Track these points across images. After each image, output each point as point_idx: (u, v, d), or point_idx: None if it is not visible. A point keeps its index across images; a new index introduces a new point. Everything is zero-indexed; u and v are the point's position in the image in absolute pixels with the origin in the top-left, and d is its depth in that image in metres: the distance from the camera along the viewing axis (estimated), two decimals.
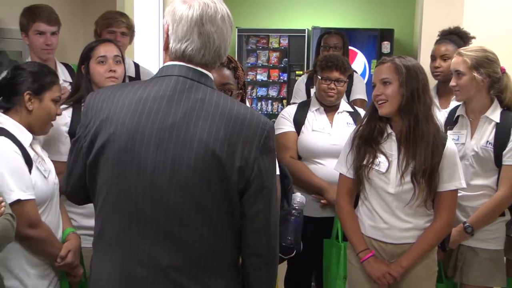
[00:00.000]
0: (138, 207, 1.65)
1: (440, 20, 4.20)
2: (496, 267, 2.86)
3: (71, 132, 2.65)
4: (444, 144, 2.50)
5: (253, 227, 1.71)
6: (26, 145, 2.30)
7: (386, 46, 7.46)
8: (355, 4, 8.13)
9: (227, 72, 2.42)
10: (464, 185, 2.56)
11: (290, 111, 3.33)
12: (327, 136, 3.18)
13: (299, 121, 3.27)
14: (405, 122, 2.50)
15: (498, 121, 2.79)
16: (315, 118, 3.27)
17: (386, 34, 7.54)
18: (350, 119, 3.27)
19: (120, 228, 1.68)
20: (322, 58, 3.37)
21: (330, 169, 2.89)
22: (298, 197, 2.65)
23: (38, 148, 2.44)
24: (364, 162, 2.56)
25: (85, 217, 2.65)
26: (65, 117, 2.68)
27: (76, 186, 1.82)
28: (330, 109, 3.28)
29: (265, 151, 1.67)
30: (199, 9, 1.67)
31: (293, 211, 2.61)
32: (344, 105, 3.34)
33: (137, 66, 3.76)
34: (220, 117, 1.64)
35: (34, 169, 2.27)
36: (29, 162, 2.25)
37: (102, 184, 1.70)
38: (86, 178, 1.75)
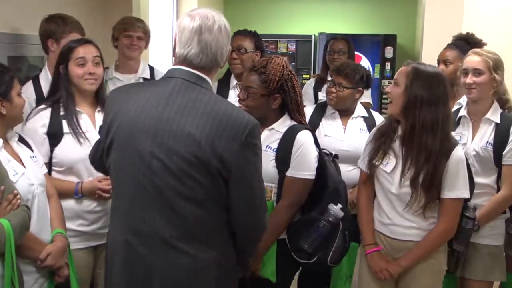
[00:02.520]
0: (140, 186, 1.97)
1: (440, 26, 4.29)
2: (496, 262, 2.93)
3: (50, 134, 2.67)
4: (450, 154, 2.46)
5: (238, 210, 2.01)
6: None
7: (389, 51, 7.53)
8: (359, 10, 8.23)
9: (253, 76, 2.60)
10: (467, 196, 2.51)
11: (307, 112, 3.17)
12: (339, 142, 3.19)
13: (314, 124, 3.28)
14: (404, 126, 2.53)
15: (498, 121, 2.85)
16: (329, 123, 3.30)
17: (389, 39, 7.60)
18: (364, 125, 3.27)
19: (127, 202, 2.01)
20: (335, 64, 3.46)
21: (342, 173, 2.86)
22: (334, 209, 2.52)
23: (14, 146, 2.41)
24: (376, 158, 2.61)
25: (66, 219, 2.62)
26: (43, 118, 2.68)
27: (98, 162, 2.21)
28: (345, 113, 3.30)
29: (247, 146, 1.93)
30: (199, 21, 1.99)
31: (323, 220, 2.52)
32: (359, 110, 3.33)
33: (151, 68, 3.90)
34: (208, 114, 1.92)
35: None
36: None
37: (113, 165, 2.05)
38: (104, 159, 2.11)
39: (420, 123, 2.44)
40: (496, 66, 2.83)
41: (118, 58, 3.86)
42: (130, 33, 3.71)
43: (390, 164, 2.58)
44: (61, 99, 2.71)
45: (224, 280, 2.06)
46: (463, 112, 2.98)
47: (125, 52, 3.77)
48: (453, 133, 2.90)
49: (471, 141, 2.92)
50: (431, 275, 2.64)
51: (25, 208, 2.18)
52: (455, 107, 3.19)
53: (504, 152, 2.82)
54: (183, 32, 2.00)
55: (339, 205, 2.53)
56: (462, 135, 2.94)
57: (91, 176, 2.71)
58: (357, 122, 3.30)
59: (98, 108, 2.80)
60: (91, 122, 2.75)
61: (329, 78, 4.21)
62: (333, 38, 4.43)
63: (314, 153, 2.59)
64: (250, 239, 2.16)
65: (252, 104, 2.64)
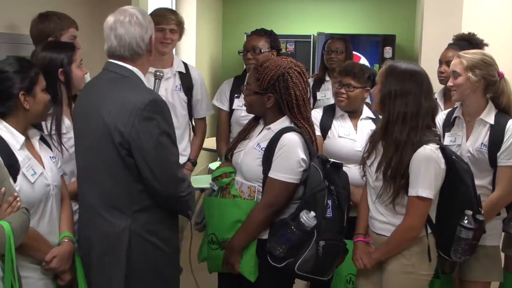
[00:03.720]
0: (79, 163, 2.47)
1: (439, 26, 4.29)
2: (492, 263, 2.92)
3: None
4: (416, 148, 2.50)
5: (145, 179, 2.27)
6: (17, 148, 2.30)
7: (388, 51, 7.55)
8: (358, 11, 8.25)
9: (252, 74, 2.68)
10: (423, 194, 2.48)
11: (316, 115, 3.29)
12: (353, 142, 3.18)
13: (325, 126, 3.29)
14: (382, 120, 2.62)
15: (492, 123, 2.83)
16: (340, 124, 3.29)
17: (388, 39, 7.62)
18: (373, 126, 3.24)
19: (78, 178, 2.51)
20: (341, 65, 3.45)
21: (354, 173, 2.89)
22: (304, 216, 2.46)
23: (35, 144, 2.44)
24: (365, 155, 2.71)
25: None
26: None
27: None
28: (354, 115, 3.30)
29: (143, 118, 2.21)
30: (113, 18, 2.35)
31: (292, 226, 2.47)
32: (366, 111, 3.34)
33: (185, 64, 3.75)
34: (115, 98, 2.27)
35: (20, 175, 2.26)
36: (13, 168, 2.23)
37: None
38: None
39: (394, 116, 2.53)
40: (474, 65, 2.81)
41: None
42: (163, 26, 3.48)
43: (371, 158, 2.68)
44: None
45: (137, 246, 2.33)
46: (457, 113, 2.99)
47: (158, 47, 3.46)
48: (447, 134, 2.97)
49: (466, 141, 2.91)
50: (403, 275, 2.63)
51: (25, 210, 2.17)
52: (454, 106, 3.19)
53: (498, 153, 2.80)
54: (105, 30, 2.36)
55: (312, 213, 2.45)
56: (457, 136, 2.95)
57: (73, 177, 2.70)
58: (366, 123, 3.28)
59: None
60: (69, 123, 2.71)
61: (327, 78, 4.25)
62: (331, 38, 4.43)
63: (297, 157, 2.54)
64: (167, 205, 2.39)
65: (248, 100, 2.70)
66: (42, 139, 2.52)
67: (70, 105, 2.74)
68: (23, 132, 2.38)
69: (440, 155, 2.52)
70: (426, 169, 2.48)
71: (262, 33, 3.77)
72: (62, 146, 2.64)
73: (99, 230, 2.36)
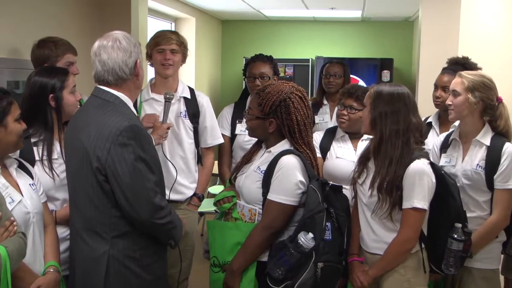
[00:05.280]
0: (69, 185, 2.46)
1: (436, 50, 4.33)
2: (490, 286, 2.90)
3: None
4: (409, 163, 2.57)
5: (121, 205, 2.28)
6: None
7: (386, 75, 7.61)
8: (356, 35, 8.34)
9: (254, 99, 2.70)
10: (418, 205, 2.54)
11: (317, 137, 3.35)
12: (351, 163, 3.08)
13: (324, 148, 3.33)
14: (374, 140, 2.68)
15: (488, 144, 2.83)
16: (340, 145, 3.32)
17: (386, 63, 7.69)
18: None
19: (69, 200, 2.52)
20: (345, 86, 3.48)
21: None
22: (303, 238, 2.45)
23: (13, 172, 2.42)
24: (356, 175, 2.76)
25: None
26: None
27: None
28: (355, 136, 3.31)
29: (118, 144, 2.22)
30: (98, 43, 2.38)
31: (290, 248, 2.46)
32: None
33: (191, 89, 3.60)
34: (95, 123, 2.29)
35: None
36: None
37: None
38: None
39: (387, 134, 2.62)
40: (474, 87, 2.83)
41: (154, 77, 3.54)
42: (163, 46, 3.34)
43: (362, 177, 2.74)
44: (34, 127, 2.65)
45: (116, 272, 2.32)
46: (454, 135, 3.01)
47: (159, 70, 3.40)
48: (443, 155, 3.00)
49: (461, 162, 2.92)
50: None
51: (22, 235, 2.19)
52: (451, 130, 3.20)
53: (495, 176, 2.80)
54: (91, 55, 2.38)
55: (310, 235, 2.44)
56: (452, 157, 2.97)
57: (65, 203, 2.69)
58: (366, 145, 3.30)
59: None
60: (60, 148, 2.71)
61: (325, 102, 4.28)
62: (329, 62, 4.45)
63: (294, 179, 2.55)
64: (145, 229, 2.36)
65: (250, 124, 2.73)
66: (21, 167, 2.50)
67: (62, 131, 2.73)
68: None
69: (431, 169, 2.60)
70: (420, 182, 2.56)
71: (265, 59, 3.80)
72: (53, 172, 2.64)
73: (81, 252, 2.38)
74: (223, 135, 3.79)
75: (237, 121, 3.81)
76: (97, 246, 2.32)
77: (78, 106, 2.73)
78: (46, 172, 2.63)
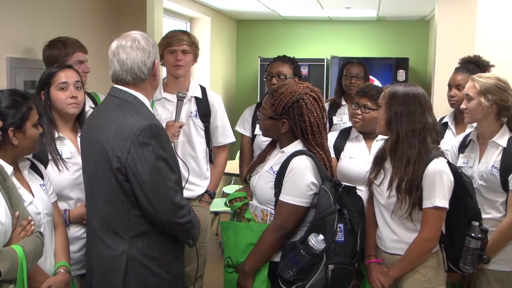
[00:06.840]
0: (86, 185, 2.47)
1: (452, 49, 4.30)
2: None
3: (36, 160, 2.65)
4: (428, 162, 2.58)
5: (141, 204, 2.28)
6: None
7: (401, 74, 7.56)
8: (371, 34, 8.30)
9: (267, 99, 2.70)
10: (439, 204, 2.55)
11: (330, 138, 3.27)
12: (364, 163, 3.08)
13: (338, 148, 3.31)
14: (390, 140, 2.68)
15: (505, 145, 2.84)
16: (353, 145, 3.30)
17: (402, 62, 7.63)
18: None
19: (86, 199, 2.51)
20: (359, 86, 3.47)
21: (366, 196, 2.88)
22: (313, 239, 2.43)
23: (25, 174, 2.44)
24: (372, 176, 2.75)
25: None
26: None
27: None
28: (369, 137, 3.29)
29: (139, 144, 2.22)
30: (116, 43, 2.38)
31: (301, 249, 2.45)
32: None
33: (203, 88, 3.63)
34: (113, 123, 2.28)
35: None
36: None
37: None
38: None
39: (403, 134, 2.62)
40: (487, 90, 2.83)
41: (166, 77, 3.58)
42: (174, 47, 3.38)
43: (379, 178, 2.74)
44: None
45: (134, 271, 2.33)
46: (472, 136, 3.02)
47: (171, 70, 3.45)
48: (461, 156, 3.01)
49: (478, 164, 2.92)
50: None
51: (39, 234, 2.20)
52: (467, 130, 3.22)
53: (510, 177, 2.79)
54: (109, 55, 2.39)
55: (321, 237, 2.42)
56: (469, 158, 2.98)
57: (79, 202, 2.72)
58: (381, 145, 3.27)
59: (80, 133, 2.78)
60: (75, 148, 2.75)
61: (343, 103, 4.24)
62: (349, 62, 4.36)
63: (306, 180, 2.54)
64: (165, 228, 2.36)
65: (263, 124, 2.73)
66: (33, 167, 2.52)
67: (76, 130, 2.77)
68: (12, 162, 2.35)
69: (449, 168, 2.61)
70: (440, 181, 2.56)
71: (286, 59, 3.81)
72: (67, 170, 2.67)
73: (99, 252, 2.39)
74: (243, 135, 3.86)
75: (257, 121, 3.81)
76: (116, 245, 2.34)
77: (74, 103, 2.74)
78: (59, 169, 2.64)
